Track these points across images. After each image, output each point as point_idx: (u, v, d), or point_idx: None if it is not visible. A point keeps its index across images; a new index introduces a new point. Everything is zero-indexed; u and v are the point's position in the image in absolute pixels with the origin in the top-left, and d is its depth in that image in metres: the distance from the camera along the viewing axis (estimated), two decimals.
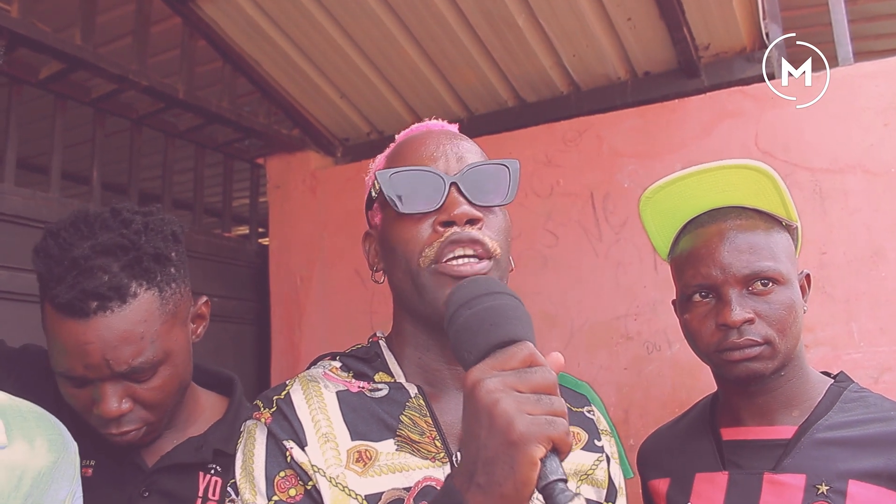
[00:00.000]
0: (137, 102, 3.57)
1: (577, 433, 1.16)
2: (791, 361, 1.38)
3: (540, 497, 0.78)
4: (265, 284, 4.15)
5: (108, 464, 1.40)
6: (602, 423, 1.23)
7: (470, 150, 1.12)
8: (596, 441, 1.17)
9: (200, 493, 1.40)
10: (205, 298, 1.50)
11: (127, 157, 3.69)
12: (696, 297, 1.40)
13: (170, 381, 1.34)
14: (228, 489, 1.04)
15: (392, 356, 1.14)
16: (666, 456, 1.54)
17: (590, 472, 1.13)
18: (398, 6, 3.09)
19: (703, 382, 3.01)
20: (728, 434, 1.44)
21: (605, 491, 1.15)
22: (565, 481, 0.76)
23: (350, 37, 3.32)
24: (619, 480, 1.20)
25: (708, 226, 1.41)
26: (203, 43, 3.50)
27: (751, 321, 1.33)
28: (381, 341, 1.18)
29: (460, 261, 1.02)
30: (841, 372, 1.46)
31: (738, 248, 1.35)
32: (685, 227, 1.47)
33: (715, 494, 1.37)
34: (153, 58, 3.33)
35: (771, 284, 1.34)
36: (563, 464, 1.09)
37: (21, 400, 1.02)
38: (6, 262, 2.90)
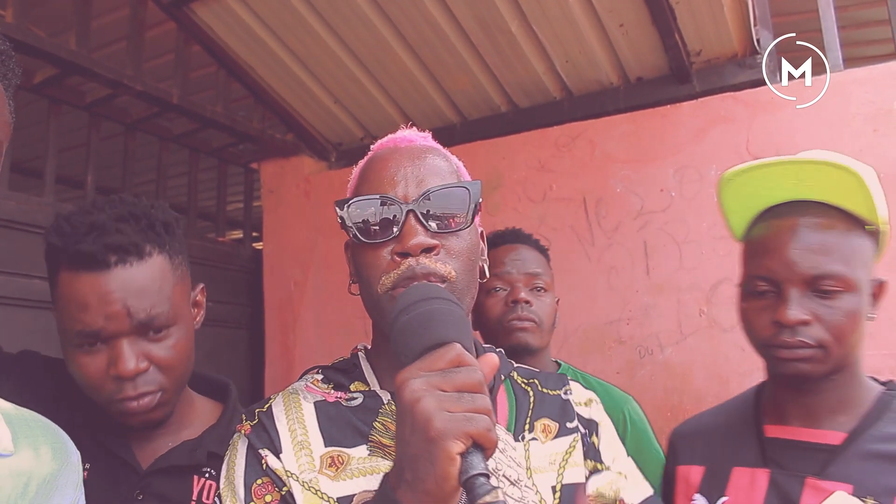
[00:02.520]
0: (132, 107, 3.58)
1: (547, 425, 1.17)
2: (845, 367, 1.34)
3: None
4: (259, 289, 4.15)
5: (103, 466, 1.40)
6: (581, 396, 1.23)
7: (433, 170, 1.11)
8: (568, 423, 1.18)
9: (195, 497, 1.40)
10: (202, 285, 1.54)
11: (121, 161, 3.70)
12: (757, 289, 1.35)
13: (181, 344, 1.37)
14: (215, 498, 1.09)
15: (369, 366, 1.18)
16: (703, 443, 1.50)
17: (566, 456, 1.14)
18: (392, 12, 3.11)
19: (695, 386, 3.03)
20: (772, 431, 1.40)
21: (590, 463, 1.16)
22: (487, 476, 0.78)
23: (344, 42, 3.33)
24: (609, 446, 1.20)
25: (783, 217, 1.35)
26: (197, 48, 3.52)
27: (807, 323, 1.28)
28: (360, 353, 1.22)
29: None
30: (891, 380, 1.42)
31: (808, 246, 1.29)
32: (763, 213, 1.41)
33: (753, 491, 1.35)
34: (148, 62, 3.34)
35: (837, 289, 1.28)
36: (541, 457, 1.12)
37: (25, 409, 1.04)
38: (1, 266, 2.90)
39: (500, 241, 2.15)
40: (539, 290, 2.08)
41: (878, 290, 1.37)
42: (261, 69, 3.59)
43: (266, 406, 1.14)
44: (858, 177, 1.29)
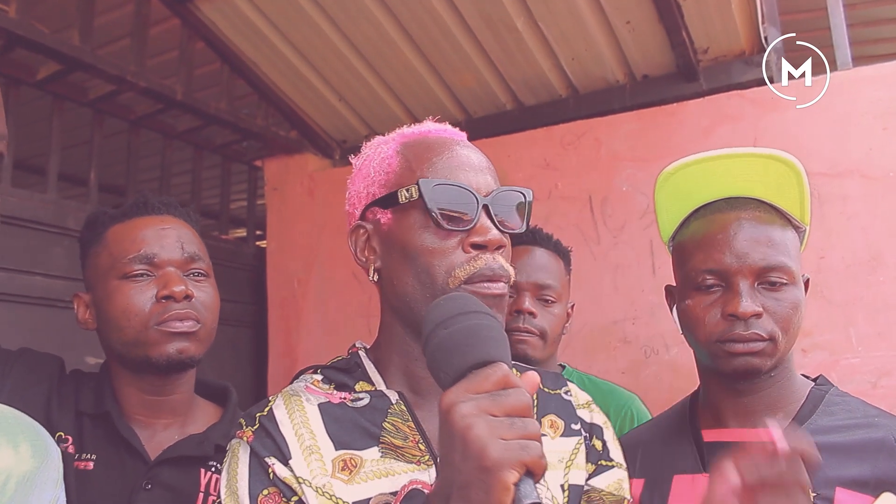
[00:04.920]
0: (136, 104, 3.57)
1: (554, 421, 1.16)
2: (782, 363, 1.34)
3: None
4: (262, 287, 4.14)
5: (111, 457, 1.42)
6: (581, 398, 1.22)
7: (490, 168, 1.11)
8: (573, 425, 1.17)
9: (202, 488, 1.42)
10: None
11: (125, 158, 3.69)
12: (703, 284, 1.33)
13: (215, 295, 1.53)
14: None
15: (372, 365, 1.14)
16: (642, 456, 1.48)
17: (572, 457, 1.13)
18: (397, 9, 3.09)
19: None
20: (709, 435, 1.40)
21: (593, 467, 1.15)
22: None
23: (348, 39, 3.32)
24: (617, 446, 1.20)
25: (726, 212, 1.35)
26: (201, 44, 3.50)
27: (759, 315, 1.28)
28: (360, 352, 1.18)
29: (488, 284, 1.03)
30: (820, 375, 1.43)
31: (756, 238, 1.30)
32: (698, 210, 1.40)
33: (695, 497, 1.28)
34: (151, 59, 3.33)
35: (783, 281, 1.30)
36: (551, 454, 1.08)
37: (4, 406, 1.04)
38: (3, 263, 2.89)
39: (514, 239, 2.08)
40: (547, 302, 1.97)
41: (806, 286, 1.39)
42: (265, 66, 3.58)
43: (266, 409, 1.09)
44: (800, 174, 1.32)
